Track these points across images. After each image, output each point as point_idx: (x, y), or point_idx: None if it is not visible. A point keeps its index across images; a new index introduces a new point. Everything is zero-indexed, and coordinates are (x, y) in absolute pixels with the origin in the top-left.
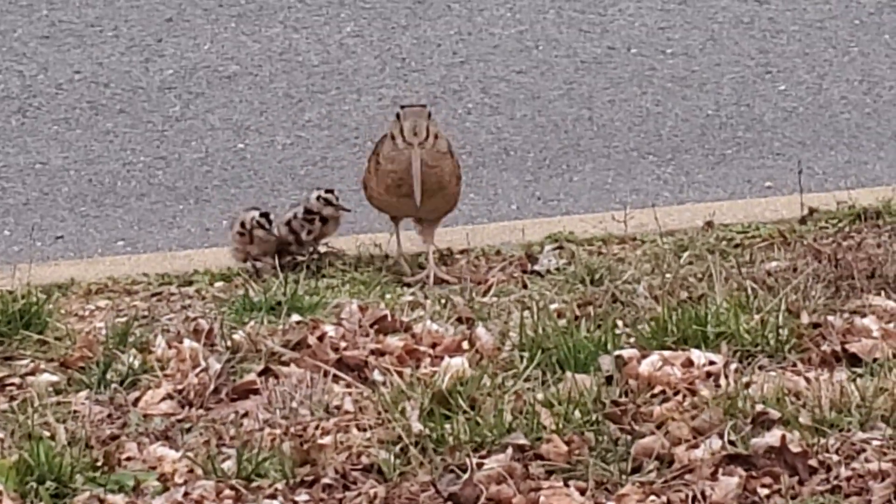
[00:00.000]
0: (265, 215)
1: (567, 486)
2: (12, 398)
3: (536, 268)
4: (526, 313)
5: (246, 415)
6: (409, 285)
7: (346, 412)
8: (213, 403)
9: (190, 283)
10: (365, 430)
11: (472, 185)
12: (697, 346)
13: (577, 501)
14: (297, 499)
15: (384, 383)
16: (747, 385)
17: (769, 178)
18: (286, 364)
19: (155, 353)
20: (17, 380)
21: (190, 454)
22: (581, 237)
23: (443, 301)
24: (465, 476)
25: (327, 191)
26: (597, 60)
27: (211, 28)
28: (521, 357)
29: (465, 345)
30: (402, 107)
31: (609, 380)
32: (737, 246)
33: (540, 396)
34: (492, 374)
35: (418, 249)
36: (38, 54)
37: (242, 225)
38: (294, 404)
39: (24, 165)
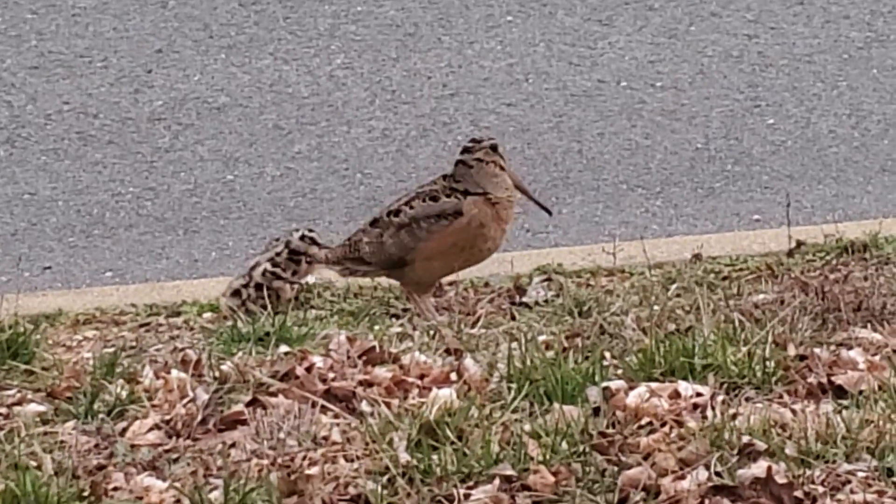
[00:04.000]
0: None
1: None
2: None
3: (525, 299)
4: (514, 345)
5: (233, 445)
6: (397, 316)
7: (334, 443)
8: (200, 434)
9: (178, 314)
10: (352, 460)
11: None
12: (685, 378)
13: None
14: None
15: (372, 414)
16: (734, 417)
17: (757, 211)
18: (274, 395)
19: (142, 383)
20: (3, 409)
21: (177, 485)
22: (570, 269)
23: (431, 332)
24: None
25: (309, 230)
26: (586, 93)
27: (201, 59)
28: (509, 388)
29: (453, 376)
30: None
31: (596, 411)
32: (724, 278)
33: (527, 427)
34: (479, 405)
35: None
36: (27, 85)
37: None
38: (282, 435)
39: (13, 196)
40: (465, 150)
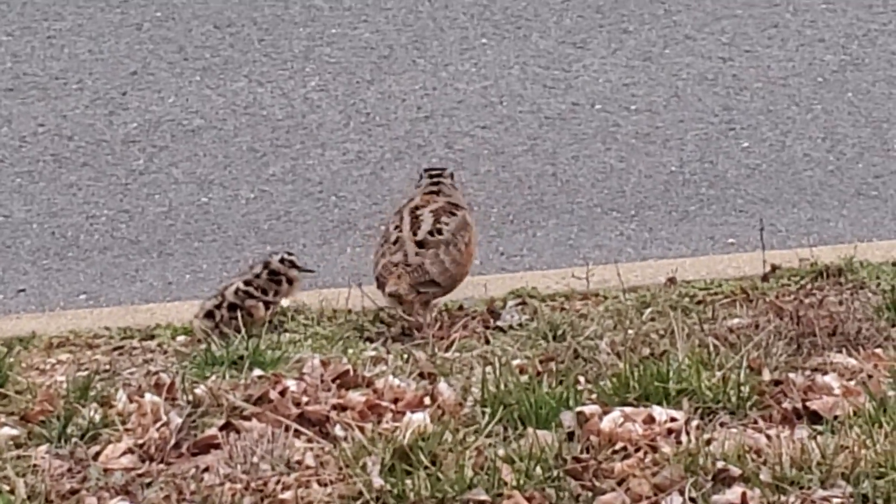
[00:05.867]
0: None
1: None
2: None
3: (499, 323)
4: (488, 369)
5: (207, 469)
6: (371, 340)
7: (308, 467)
8: (173, 458)
9: (152, 337)
10: (326, 485)
11: None
12: (659, 403)
13: None
14: None
15: (345, 438)
16: (708, 442)
17: (732, 234)
18: (248, 419)
19: (116, 407)
20: None
21: None
22: (544, 293)
23: (405, 356)
24: None
25: (288, 252)
26: (561, 116)
27: (175, 81)
28: (483, 413)
29: (427, 400)
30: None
31: (570, 436)
32: (699, 302)
33: (501, 452)
34: (453, 429)
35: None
36: (1, 107)
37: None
38: (255, 459)
39: None
40: (437, 175)
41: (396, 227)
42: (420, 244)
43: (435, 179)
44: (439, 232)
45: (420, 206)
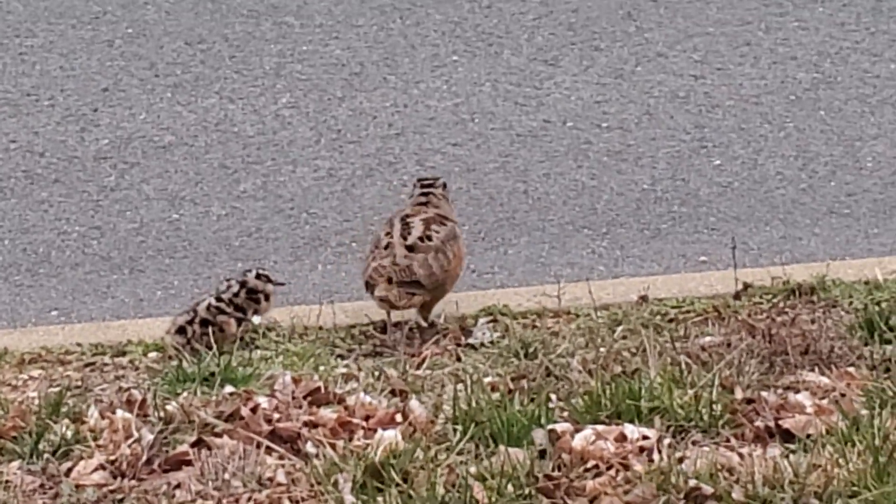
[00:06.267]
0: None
1: None
2: None
3: (470, 341)
4: (460, 386)
5: (178, 486)
6: (342, 357)
7: (279, 484)
8: (145, 474)
9: (123, 354)
10: (297, 502)
11: None
12: (631, 421)
13: None
14: None
15: (317, 455)
16: (680, 460)
17: (704, 252)
18: (219, 435)
19: (88, 423)
20: None
21: None
22: (515, 310)
23: (376, 373)
24: None
25: (260, 269)
26: (532, 134)
27: (147, 98)
28: (455, 430)
29: (399, 417)
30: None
31: (542, 454)
32: (671, 321)
33: (473, 470)
34: (425, 447)
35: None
36: None
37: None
38: (227, 476)
39: None
40: (429, 185)
41: (387, 234)
42: (410, 248)
43: (425, 190)
44: (429, 238)
45: (410, 216)
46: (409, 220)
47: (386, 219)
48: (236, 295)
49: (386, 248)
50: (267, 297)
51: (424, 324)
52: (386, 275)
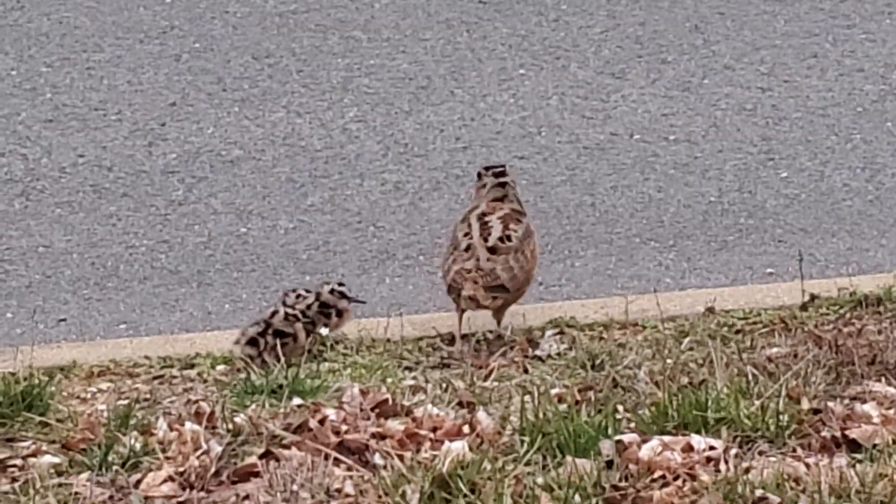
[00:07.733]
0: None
1: None
2: (14, 479)
3: (537, 353)
4: (527, 398)
5: (247, 497)
6: (410, 369)
7: (347, 495)
8: (214, 486)
9: (192, 366)
10: None
11: None
12: (698, 432)
13: None
14: None
15: (385, 467)
16: (747, 470)
17: (771, 264)
18: (287, 447)
19: (156, 435)
20: (18, 461)
21: None
22: (582, 322)
23: (444, 385)
24: None
25: (339, 283)
26: (599, 146)
27: (214, 112)
28: (522, 441)
29: (466, 429)
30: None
31: (609, 464)
32: (738, 332)
33: (540, 480)
34: (492, 458)
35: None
36: (41, 138)
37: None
38: (295, 487)
39: (27, 248)
40: (501, 174)
41: (466, 235)
42: (491, 250)
43: (501, 180)
44: (508, 238)
45: (487, 213)
46: (486, 220)
47: (462, 215)
48: (309, 307)
49: (467, 249)
50: (339, 314)
51: (497, 327)
52: (471, 279)
